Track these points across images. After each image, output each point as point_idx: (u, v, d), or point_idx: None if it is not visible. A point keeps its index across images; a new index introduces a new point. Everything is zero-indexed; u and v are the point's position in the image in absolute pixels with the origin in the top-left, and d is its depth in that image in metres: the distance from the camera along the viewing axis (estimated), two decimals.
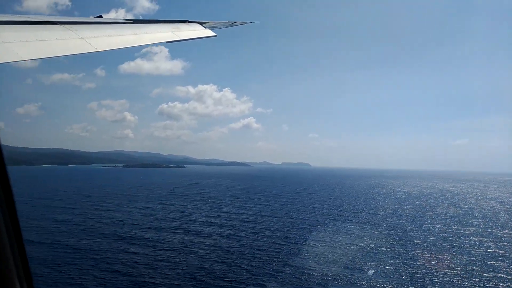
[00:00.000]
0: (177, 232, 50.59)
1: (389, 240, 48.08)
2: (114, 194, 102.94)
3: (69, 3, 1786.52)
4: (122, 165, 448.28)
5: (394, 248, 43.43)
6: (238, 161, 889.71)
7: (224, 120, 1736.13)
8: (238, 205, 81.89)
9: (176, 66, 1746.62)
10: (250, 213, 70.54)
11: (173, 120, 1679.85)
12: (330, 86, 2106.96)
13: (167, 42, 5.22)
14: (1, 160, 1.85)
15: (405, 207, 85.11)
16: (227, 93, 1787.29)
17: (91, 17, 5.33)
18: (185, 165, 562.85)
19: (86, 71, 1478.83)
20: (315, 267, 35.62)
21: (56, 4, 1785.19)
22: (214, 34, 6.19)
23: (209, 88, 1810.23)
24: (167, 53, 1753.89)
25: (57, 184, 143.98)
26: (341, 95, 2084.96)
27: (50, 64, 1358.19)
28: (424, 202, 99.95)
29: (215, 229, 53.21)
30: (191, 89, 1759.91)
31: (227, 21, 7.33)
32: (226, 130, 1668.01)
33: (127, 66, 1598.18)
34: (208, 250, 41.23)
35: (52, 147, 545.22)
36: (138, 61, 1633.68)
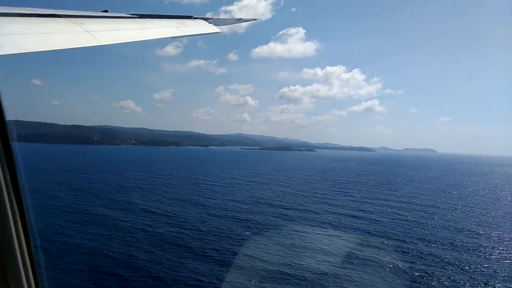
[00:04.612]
0: None
1: None
2: (330, 183, 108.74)
3: None
4: (257, 147, 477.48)
5: None
6: (355, 146, 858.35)
7: (346, 103, 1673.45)
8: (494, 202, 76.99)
9: (309, 48, 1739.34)
10: None
11: (291, 104, 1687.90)
12: (474, 66, 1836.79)
13: (172, 37, 5.30)
14: (10, 153, 1.79)
15: None
16: (356, 74, 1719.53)
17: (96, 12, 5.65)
18: (315, 149, 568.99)
19: (220, 56, 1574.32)
20: None
21: None
22: (219, 30, 6.26)
23: (338, 70, 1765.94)
24: (303, 34, 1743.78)
25: (261, 168, 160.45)
26: (488, 76, 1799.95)
27: (190, 51, 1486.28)
28: None
29: None
30: (318, 71, 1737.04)
31: (232, 18, 7.43)
32: (344, 113, 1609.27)
33: (260, 50, 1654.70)
34: None
35: (183, 130, 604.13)
36: (272, 44, 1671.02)
